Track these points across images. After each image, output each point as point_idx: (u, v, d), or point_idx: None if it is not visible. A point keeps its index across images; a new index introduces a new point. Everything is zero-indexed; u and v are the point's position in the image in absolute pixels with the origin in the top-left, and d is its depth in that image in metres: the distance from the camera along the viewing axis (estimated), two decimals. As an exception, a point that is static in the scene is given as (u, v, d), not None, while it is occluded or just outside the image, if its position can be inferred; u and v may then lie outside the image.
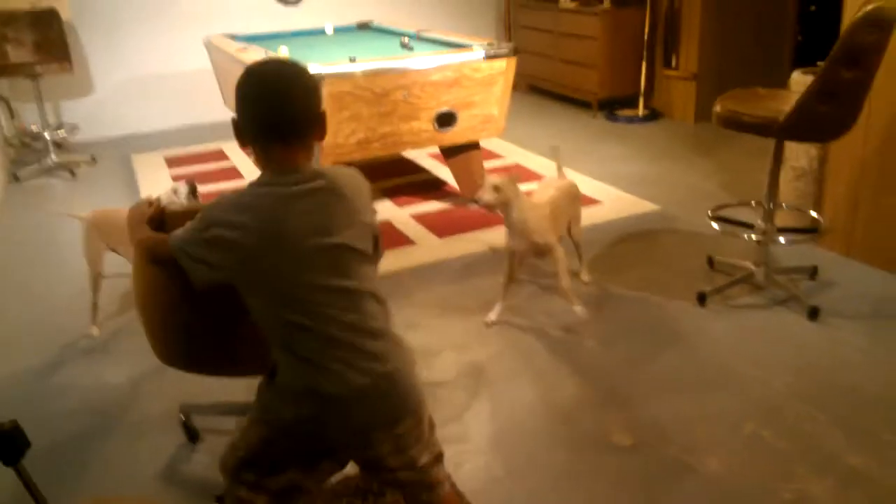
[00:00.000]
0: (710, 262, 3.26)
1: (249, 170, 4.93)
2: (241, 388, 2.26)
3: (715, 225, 3.20)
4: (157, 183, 4.67)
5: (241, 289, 1.45)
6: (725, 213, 3.39)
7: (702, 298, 2.94)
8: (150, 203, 1.93)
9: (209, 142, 5.64)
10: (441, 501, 1.54)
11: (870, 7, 2.40)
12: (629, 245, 3.58)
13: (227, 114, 5.33)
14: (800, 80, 3.35)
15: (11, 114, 5.64)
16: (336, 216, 1.44)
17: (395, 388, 1.44)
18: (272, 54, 4.03)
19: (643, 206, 4.00)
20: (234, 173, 4.91)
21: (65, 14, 5.55)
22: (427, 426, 1.52)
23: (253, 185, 1.45)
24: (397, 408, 1.45)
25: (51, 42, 5.34)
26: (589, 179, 4.43)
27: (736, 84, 3.26)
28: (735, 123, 2.79)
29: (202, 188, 4.57)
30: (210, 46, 4.92)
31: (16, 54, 5.25)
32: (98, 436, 2.32)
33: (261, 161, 1.48)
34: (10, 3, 5.47)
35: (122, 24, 5.87)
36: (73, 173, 5.09)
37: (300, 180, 1.43)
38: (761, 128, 2.71)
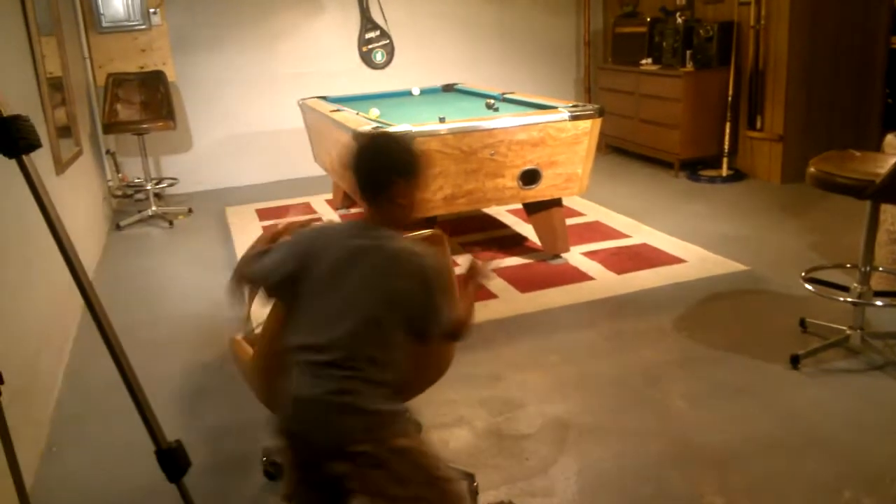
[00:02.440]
0: (803, 324, 3.17)
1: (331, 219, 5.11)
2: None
3: (808, 286, 3.13)
4: (249, 233, 4.89)
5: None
6: (818, 274, 3.31)
7: (795, 361, 2.86)
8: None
9: (298, 196, 5.88)
10: None
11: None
12: (717, 304, 3.52)
13: (315, 169, 5.58)
14: (894, 143, 3.30)
15: (117, 168, 6.04)
16: (368, 276, 1.55)
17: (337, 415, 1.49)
18: (363, 115, 4.23)
19: (730, 265, 3.94)
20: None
21: (171, 76, 5.98)
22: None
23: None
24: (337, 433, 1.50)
25: (157, 102, 5.74)
26: (672, 238, 4.40)
27: (823, 145, 3.24)
28: (829, 184, 2.77)
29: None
30: (304, 107, 5.18)
31: (125, 113, 5.66)
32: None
33: None
34: (122, 66, 5.92)
35: (222, 86, 6.26)
36: (170, 223, 5.38)
37: (363, 234, 1.60)
38: (856, 189, 2.68)
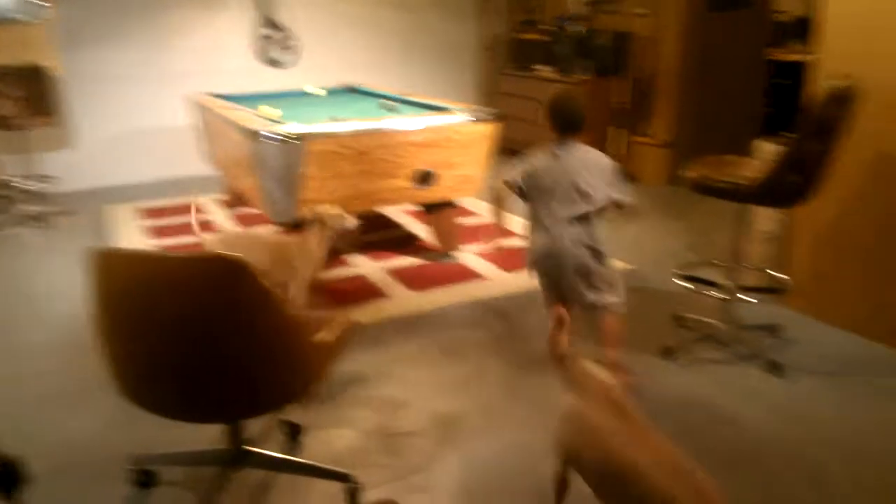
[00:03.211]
0: (678, 319, 3.32)
1: (221, 223, 4.98)
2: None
3: (681, 283, 3.29)
4: (129, 234, 4.71)
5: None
6: (693, 272, 3.48)
7: (668, 352, 3.00)
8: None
9: (184, 195, 5.65)
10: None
11: (835, 83, 2.56)
12: (601, 303, 3.64)
13: (203, 168, 5.39)
14: (762, 149, 3.50)
15: (-6, 165, 5.69)
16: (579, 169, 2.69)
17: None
18: (256, 113, 4.14)
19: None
20: (204, 226, 4.93)
21: (55, 70, 5.68)
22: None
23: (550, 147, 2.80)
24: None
25: (38, 97, 5.45)
26: (563, 239, 4.52)
27: (707, 151, 3.40)
28: (705, 188, 2.92)
29: (173, 241, 4.61)
30: (196, 104, 5.03)
31: (3, 108, 5.34)
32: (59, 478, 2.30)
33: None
34: (1, 59, 5.59)
35: (111, 82, 5.99)
36: (47, 223, 5.11)
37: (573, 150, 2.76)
38: (729, 193, 2.84)
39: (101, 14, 5.88)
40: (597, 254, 2.67)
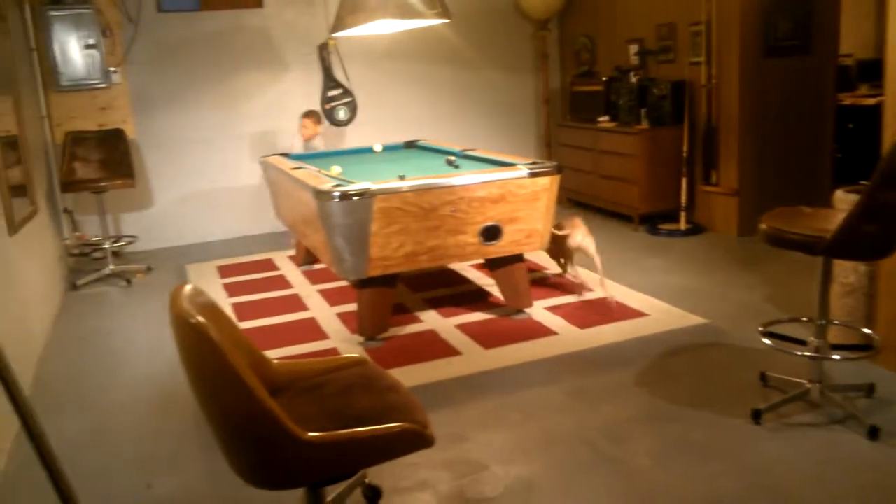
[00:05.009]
0: (763, 378, 3.19)
1: (296, 279, 5.06)
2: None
3: (766, 340, 3.16)
4: (210, 291, 4.80)
5: None
6: (776, 328, 3.35)
7: (756, 415, 2.87)
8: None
9: (260, 252, 5.83)
10: None
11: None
12: (678, 359, 3.54)
13: (276, 225, 5.54)
14: (843, 199, 3.38)
15: (75, 226, 5.93)
16: None
17: None
18: (324, 172, 4.23)
19: (690, 319, 3.98)
20: (281, 282, 5.04)
21: (130, 133, 5.95)
22: None
23: None
24: None
25: (116, 160, 5.69)
26: (633, 292, 4.44)
27: (777, 199, 3.32)
28: (781, 241, 2.82)
29: (248, 297, 4.71)
30: (266, 164, 5.18)
31: (83, 171, 5.59)
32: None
33: None
34: (81, 124, 5.88)
35: (183, 144, 6.24)
36: (128, 282, 5.28)
37: None
38: (808, 246, 2.73)
39: (170, 79, 6.16)
40: None
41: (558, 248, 4.50)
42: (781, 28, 5.51)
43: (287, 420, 1.74)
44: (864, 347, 3.27)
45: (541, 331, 3.94)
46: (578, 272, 4.54)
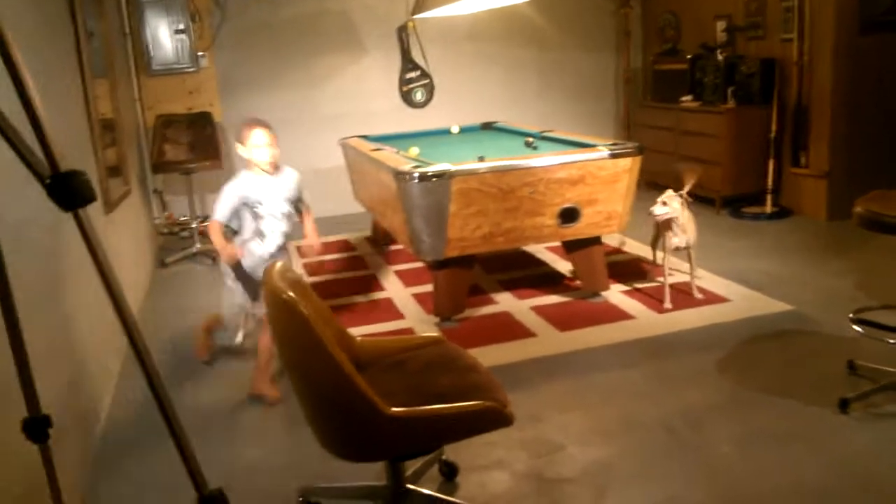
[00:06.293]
0: (852, 366, 3.08)
1: (373, 261, 5.15)
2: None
3: (857, 328, 3.05)
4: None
5: None
6: (866, 315, 3.22)
7: (844, 404, 2.77)
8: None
9: (338, 233, 5.96)
10: None
11: None
12: (761, 345, 3.45)
13: (355, 207, 5.64)
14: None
15: (164, 206, 6.19)
16: None
17: None
18: (403, 153, 4.28)
19: (775, 305, 3.86)
20: (359, 262, 5.14)
21: (217, 116, 6.14)
22: None
23: None
24: None
25: (204, 142, 5.90)
26: (716, 276, 4.34)
27: (868, 182, 3.18)
28: (878, 224, 2.71)
29: (327, 277, 4.82)
30: (345, 146, 5.27)
31: (173, 153, 5.82)
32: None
33: None
34: (170, 108, 6.11)
35: (266, 125, 6.39)
36: (213, 260, 5.48)
37: None
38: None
39: (255, 63, 6.32)
40: None
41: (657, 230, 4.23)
42: (882, 2, 5.22)
43: (372, 394, 1.80)
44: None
45: (618, 314, 3.90)
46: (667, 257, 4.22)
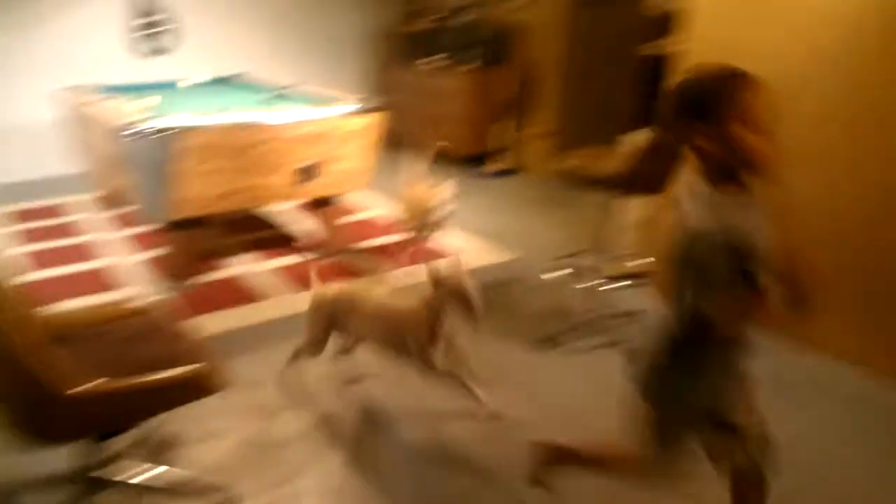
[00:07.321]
0: (555, 308, 3.42)
1: (99, 224, 4.72)
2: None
3: (555, 273, 3.40)
4: (4, 240, 4.40)
5: None
6: (570, 262, 3.59)
7: (546, 342, 3.09)
8: None
9: (60, 195, 5.30)
10: None
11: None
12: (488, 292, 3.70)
13: (74, 166, 5.05)
14: (624, 141, 3.64)
15: None
16: None
17: None
18: (131, 108, 3.93)
19: (504, 255, 4.17)
20: (81, 227, 4.66)
21: None
22: None
23: None
24: None
25: None
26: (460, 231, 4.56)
27: (587, 144, 3.50)
28: (575, 179, 3.04)
29: (44, 245, 4.31)
30: (63, 97, 4.73)
31: None
32: None
33: None
34: None
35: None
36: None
37: None
38: (593, 182, 2.96)
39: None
40: None
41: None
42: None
43: (45, 376, 1.65)
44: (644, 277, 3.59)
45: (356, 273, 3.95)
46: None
